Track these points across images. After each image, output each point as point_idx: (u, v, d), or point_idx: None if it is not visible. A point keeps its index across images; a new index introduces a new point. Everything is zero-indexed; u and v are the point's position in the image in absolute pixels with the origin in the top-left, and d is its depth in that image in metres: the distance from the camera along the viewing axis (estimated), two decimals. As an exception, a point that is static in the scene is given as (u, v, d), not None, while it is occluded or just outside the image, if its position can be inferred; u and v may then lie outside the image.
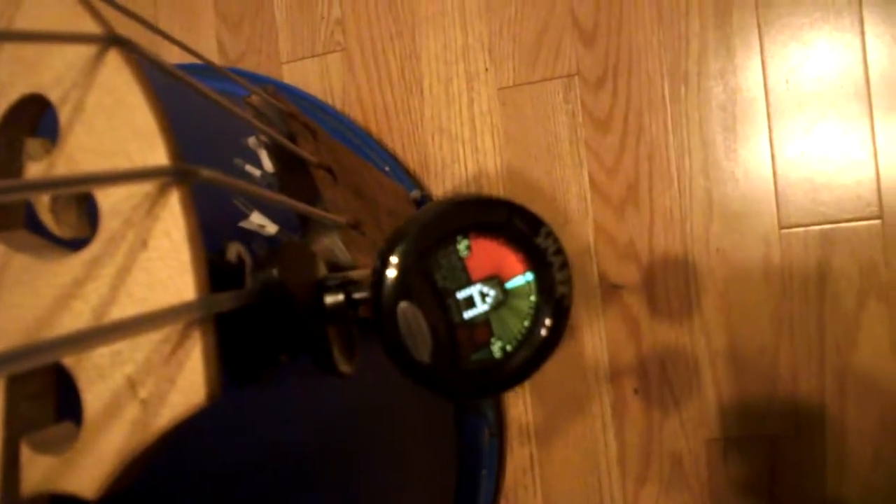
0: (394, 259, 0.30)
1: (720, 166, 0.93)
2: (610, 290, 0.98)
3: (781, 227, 0.91)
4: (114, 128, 0.29)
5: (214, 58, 1.15)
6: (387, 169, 1.01)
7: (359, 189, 0.66)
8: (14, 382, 0.31)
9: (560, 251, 0.33)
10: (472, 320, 0.32)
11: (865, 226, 0.88)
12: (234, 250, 0.32)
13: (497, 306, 0.32)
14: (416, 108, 1.06)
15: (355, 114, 1.09)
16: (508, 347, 0.33)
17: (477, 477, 1.02)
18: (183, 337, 0.27)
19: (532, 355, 0.32)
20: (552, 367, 1.00)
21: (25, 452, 0.31)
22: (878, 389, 0.89)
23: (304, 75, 1.12)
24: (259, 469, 0.56)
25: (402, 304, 0.29)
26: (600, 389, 0.99)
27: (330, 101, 1.10)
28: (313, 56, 1.12)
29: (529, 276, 0.32)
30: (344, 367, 0.34)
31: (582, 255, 0.99)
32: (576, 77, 0.99)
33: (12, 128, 0.32)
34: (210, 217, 0.37)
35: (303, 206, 0.43)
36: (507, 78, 1.02)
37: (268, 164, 0.57)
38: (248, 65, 1.15)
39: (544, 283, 0.32)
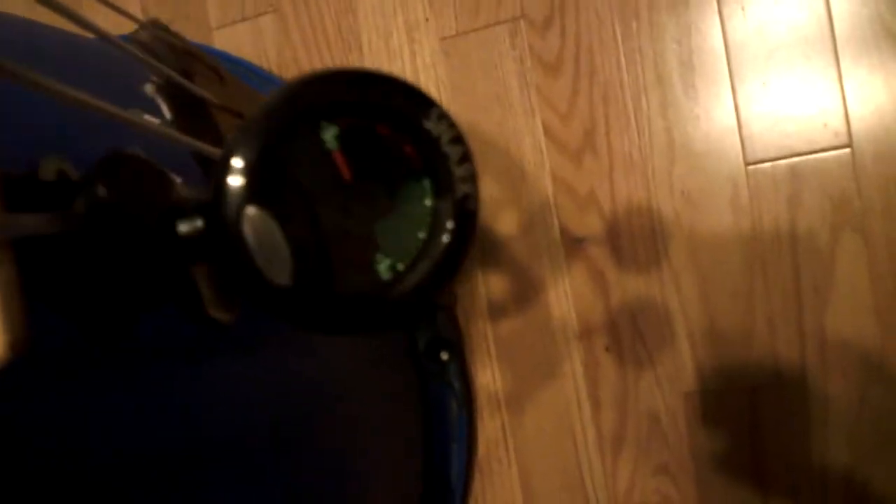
0: (235, 155, 0.23)
1: (679, 104, 0.88)
2: (573, 243, 0.93)
3: (747, 164, 0.86)
4: None
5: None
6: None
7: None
8: None
9: (459, 139, 0.26)
10: (350, 232, 0.26)
11: (835, 156, 0.83)
12: (52, 166, 0.25)
13: (382, 213, 0.26)
14: (356, 65, 1.00)
15: (292, 76, 1.02)
16: (399, 266, 0.26)
17: (447, 451, 0.97)
18: (-30, 269, 0.21)
19: (430, 273, 0.26)
20: (518, 329, 0.95)
21: None
22: (859, 329, 0.84)
23: (237, 40, 1.05)
24: (190, 458, 0.50)
25: (250, 211, 0.23)
26: (570, 349, 0.94)
27: (265, 66, 1.03)
28: (244, 20, 1.05)
29: (422, 174, 0.26)
30: (219, 314, 0.28)
31: (542, 208, 0.93)
32: (521, 20, 0.93)
33: None
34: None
35: (190, 140, 0.36)
36: (448, 27, 0.96)
37: (167, 112, 0.50)
38: (177, 33, 1.08)
39: (441, 181, 0.26)
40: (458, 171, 0.26)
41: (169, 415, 0.50)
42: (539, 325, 0.95)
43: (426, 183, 0.26)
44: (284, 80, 1.01)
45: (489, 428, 0.98)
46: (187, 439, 0.50)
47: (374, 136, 0.26)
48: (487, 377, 0.97)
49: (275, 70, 1.03)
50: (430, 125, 0.26)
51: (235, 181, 0.23)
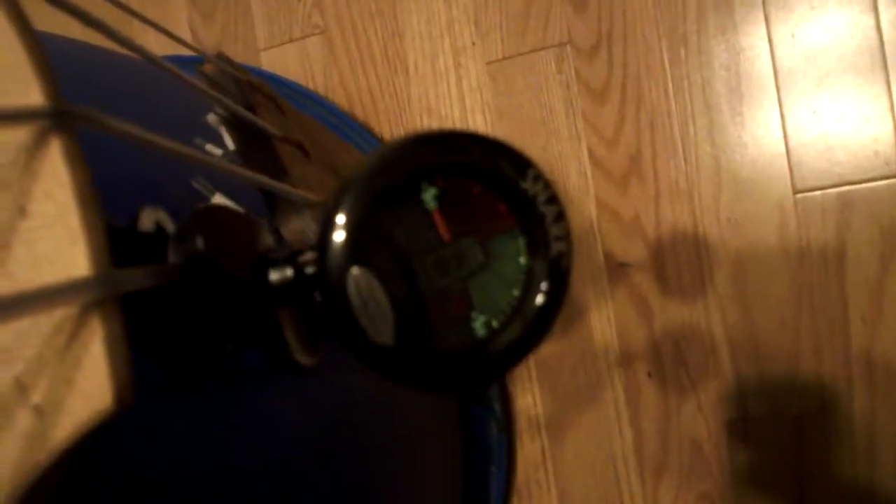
0: (340, 214, 0.24)
1: (727, 131, 0.87)
2: (617, 269, 0.92)
3: (796, 192, 0.85)
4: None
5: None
6: (374, 154, 0.96)
7: (336, 169, 0.61)
8: None
9: (554, 199, 0.26)
10: (446, 290, 0.26)
11: (885, 185, 0.82)
12: (150, 218, 0.26)
13: (477, 271, 0.26)
14: (401, 88, 1.01)
15: (339, 98, 1.03)
16: (494, 323, 0.27)
17: (486, 474, 0.97)
18: (78, 325, 0.22)
19: (524, 332, 0.26)
20: (559, 353, 0.95)
21: None
22: (907, 360, 0.83)
23: (284, 61, 1.06)
24: (242, 480, 0.50)
25: (354, 271, 0.23)
26: (612, 375, 0.93)
27: (312, 87, 1.04)
28: (291, 41, 1.06)
29: (516, 232, 0.26)
30: (303, 358, 0.29)
31: (586, 233, 0.93)
32: (568, 45, 0.93)
33: None
34: (161, 200, 0.32)
35: (259, 178, 0.37)
36: (495, 51, 0.96)
37: (230, 142, 0.51)
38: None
39: (535, 240, 0.26)
40: (554, 231, 0.26)
41: (228, 434, 0.50)
42: (581, 349, 0.94)
43: (520, 241, 0.27)
44: (332, 103, 1.02)
45: (529, 451, 0.98)
46: (245, 459, 0.51)
47: (467, 195, 0.26)
48: (528, 400, 0.97)
49: (321, 92, 1.04)
50: (527, 185, 0.26)
51: (339, 241, 0.24)
